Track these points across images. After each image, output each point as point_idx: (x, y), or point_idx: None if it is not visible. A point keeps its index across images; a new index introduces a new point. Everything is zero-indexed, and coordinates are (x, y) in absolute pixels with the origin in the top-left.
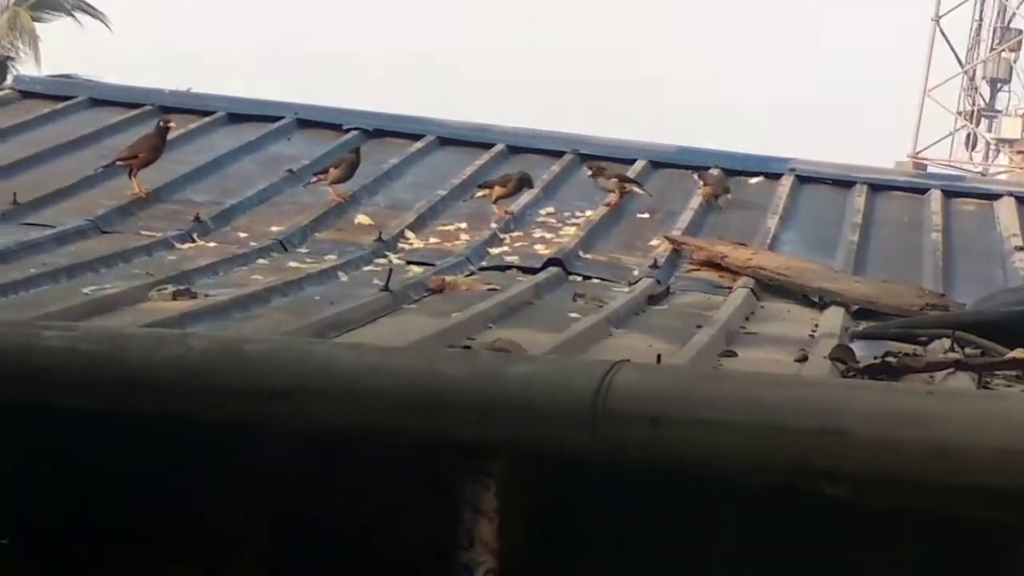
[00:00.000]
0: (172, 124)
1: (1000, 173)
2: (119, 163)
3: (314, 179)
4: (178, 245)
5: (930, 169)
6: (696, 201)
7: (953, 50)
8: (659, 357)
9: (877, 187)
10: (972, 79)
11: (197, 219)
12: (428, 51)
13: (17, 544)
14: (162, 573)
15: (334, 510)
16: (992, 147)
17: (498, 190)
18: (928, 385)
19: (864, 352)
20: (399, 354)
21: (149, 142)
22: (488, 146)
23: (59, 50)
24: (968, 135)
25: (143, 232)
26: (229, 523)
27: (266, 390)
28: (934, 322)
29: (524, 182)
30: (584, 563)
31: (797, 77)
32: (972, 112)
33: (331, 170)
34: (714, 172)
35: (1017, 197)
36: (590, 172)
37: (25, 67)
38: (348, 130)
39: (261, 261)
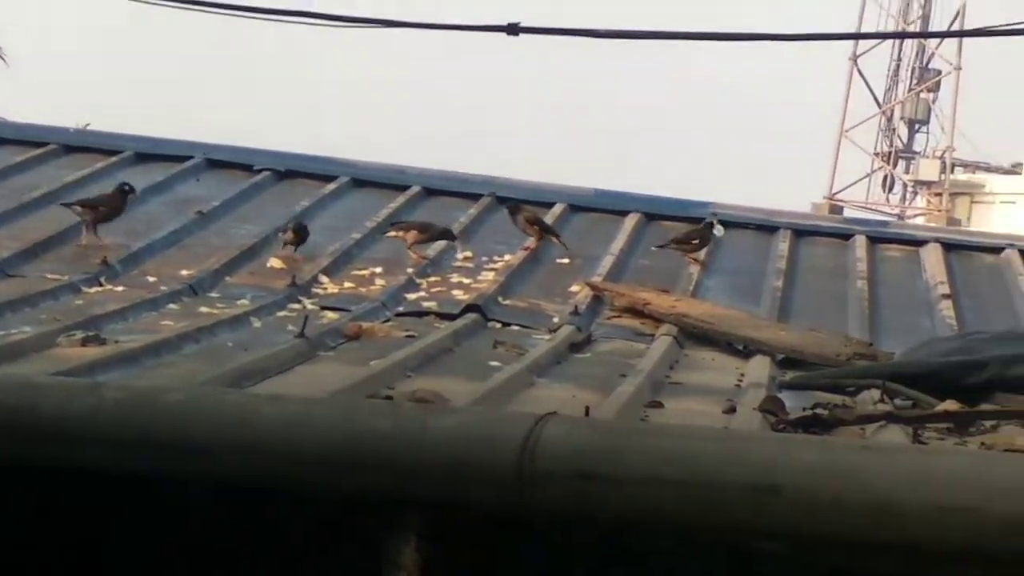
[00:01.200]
0: (135, 194)
1: (917, 215)
2: (76, 208)
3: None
4: (85, 289)
5: (846, 211)
6: (617, 246)
7: (871, 90)
8: (587, 410)
9: (801, 232)
10: (890, 120)
11: (104, 262)
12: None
13: None
14: None
15: (252, 564)
16: (910, 189)
17: (414, 234)
18: (862, 439)
19: (792, 402)
20: (319, 406)
21: (113, 200)
22: (403, 188)
23: None
24: (885, 176)
25: (48, 275)
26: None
27: (183, 443)
28: (863, 372)
29: (443, 234)
30: None
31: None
32: (890, 153)
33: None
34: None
35: (943, 243)
36: (508, 210)
37: None
38: (259, 170)
39: (171, 306)
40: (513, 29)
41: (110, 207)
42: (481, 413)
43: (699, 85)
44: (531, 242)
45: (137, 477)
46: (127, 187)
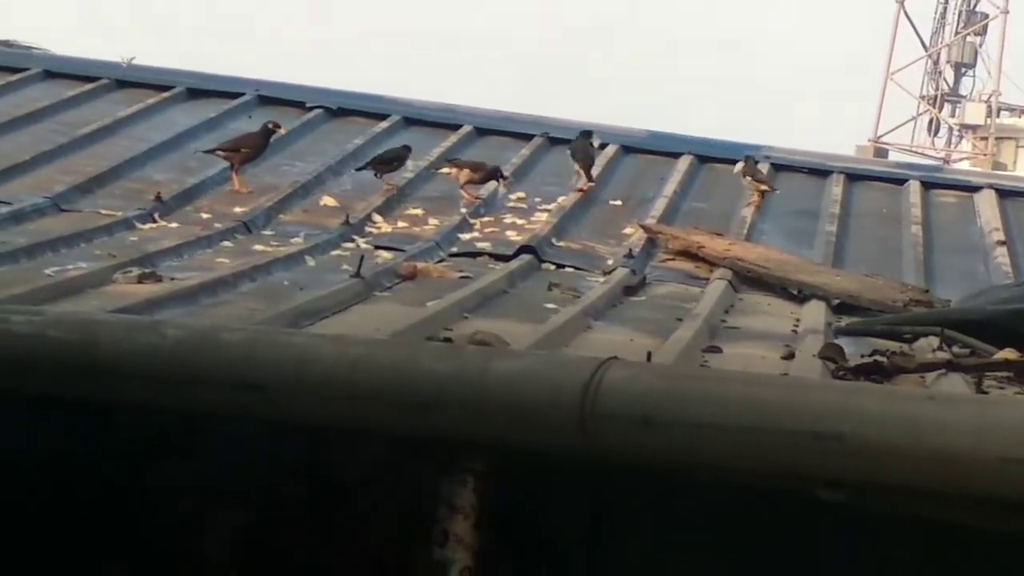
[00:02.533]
0: (283, 130)
1: (963, 159)
2: (219, 153)
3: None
4: (139, 225)
5: (891, 154)
6: (670, 188)
7: (917, 33)
8: (649, 355)
9: (855, 177)
10: (936, 63)
11: (158, 199)
12: None
13: None
14: (124, 568)
15: (307, 502)
16: (955, 133)
17: (467, 173)
18: (924, 388)
19: (849, 348)
20: (382, 347)
21: (253, 140)
22: (455, 127)
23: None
24: (931, 120)
25: (103, 211)
26: (193, 517)
27: (243, 382)
28: (920, 319)
29: (495, 174)
30: (562, 564)
31: (761, 59)
32: (936, 97)
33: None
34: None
35: (997, 190)
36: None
37: None
38: (311, 108)
39: (226, 244)
40: None
41: (252, 147)
42: (543, 357)
43: (746, 29)
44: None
45: (196, 415)
46: (271, 124)
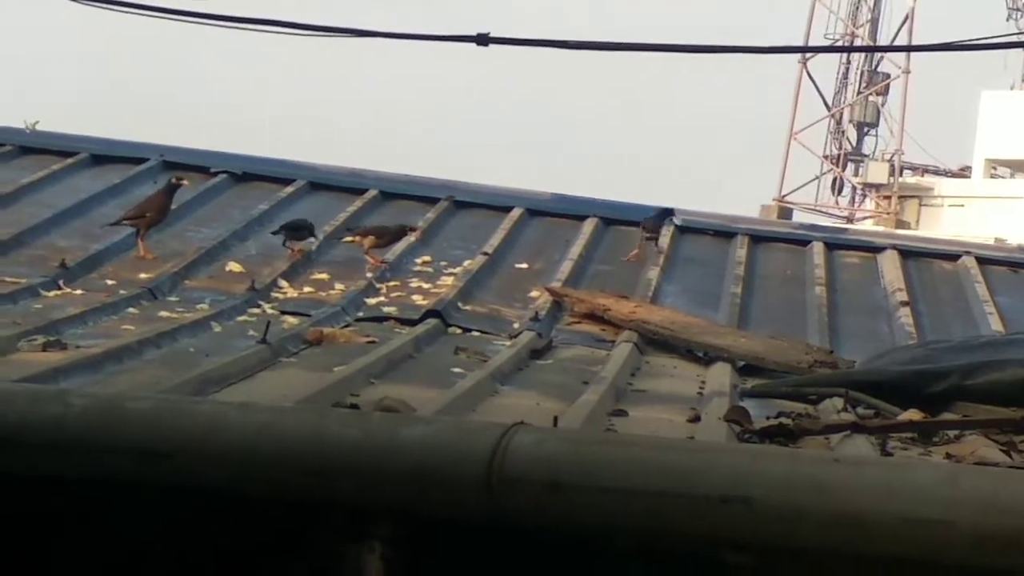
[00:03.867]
0: (185, 183)
1: (867, 218)
2: (125, 222)
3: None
4: (44, 292)
5: (796, 213)
6: (576, 251)
7: (820, 93)
8: (555, 420)
9: (759, 238)
10: (839, 123)
11: (63, 265)
12: None
13: None
14: None
15: (211, 572)
16: (859, 192)
17: (371, 239)
18: (830, 450)
19: (754, 410)
20: (288, 414)
21: (157, 201)
22: (361, 191)
23: None
24: (835, 179)
25: (7, 279)
26: None
27: (149, 450)
28: (825, 380)
29: (399, 235)
30: None
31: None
32: (839, 156)
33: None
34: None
35: (900, 250)
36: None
37: None
38: (216, 172)
39: (131, 310)
40: (483, 40)
41: (157, 209)
42: (449, 423)
43: (651, 91)
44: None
45: (101, 484)
46: (174, 179)
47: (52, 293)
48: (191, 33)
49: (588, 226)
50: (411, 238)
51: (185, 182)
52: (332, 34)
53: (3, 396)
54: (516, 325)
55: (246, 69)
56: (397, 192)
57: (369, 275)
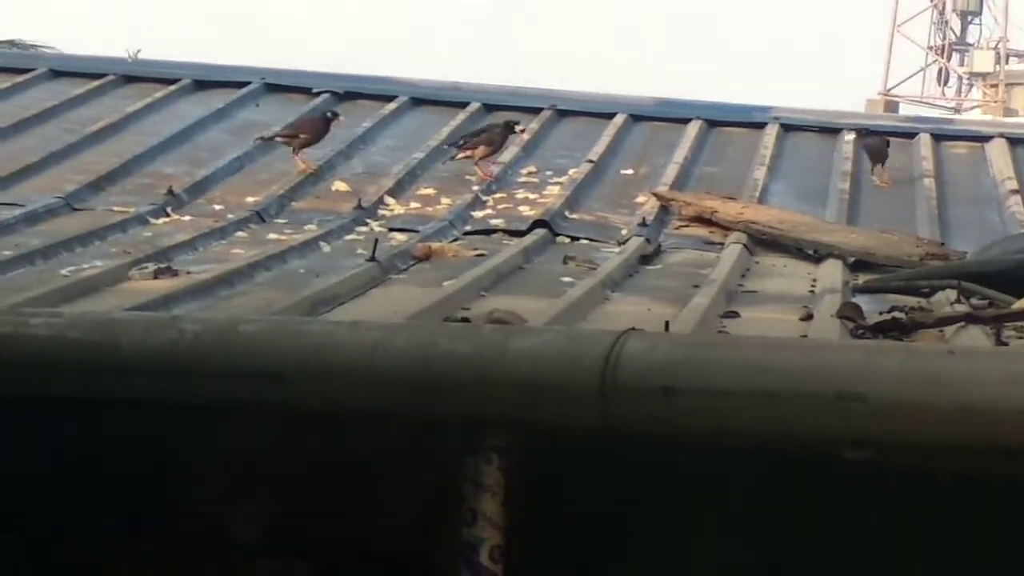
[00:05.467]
0: (341, 118)
1: (973, 107)
2: (279, 139)
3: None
4: (153, 220)
5: (902, 106)
6: (681, 154)
7: None
8: (667, 324)
9: (865, 133)
10: (942, 12)
11: (170, 192)
12: None
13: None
14: (152, 559)
15: (331, 492)
16: (965, 81)
17: (482, 150)
18: (945, 343)
19: (867, 306)
20: (398, 331)
21: (313, 124)
22: (463, 105)
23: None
24: (940, 70)
25: (115, 208)
26: (220, 507)
27: (263, 372)
28: (938, 273)
29: (508, 130)
30: (592, 536)
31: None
32: (943, 46)
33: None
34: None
35: (1008, 138)
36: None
37: None
38: (318, 93)
39: (239, 234)
40: None
41: (312, 132)
42: (561, 332)
43: None
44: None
45: (215, 410)
46: (330, 113)
47: (161, 220)
48: None
49: (692, 129)
50: (519, 136)
51: (341, 117)
52: None
53: (117, 325)
54: (624, 231)
55: None
56: (499, 103)
57: (475, 188)
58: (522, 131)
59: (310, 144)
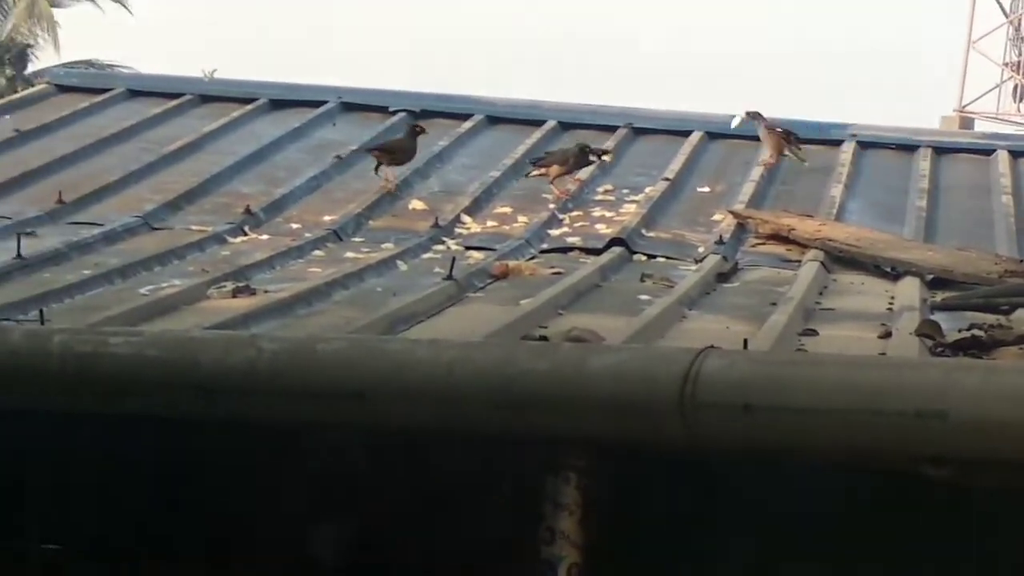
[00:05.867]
0: (426, 132)
1: None
2: (371, 152)
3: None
4: (230, 239)
5: (977, 123)
6: (757, 172)
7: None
8: (745, 342)
9: (942, 150)
10: (1018, 28)
11: (248, 211)
12: None
13: (89, 555)
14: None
15: (409, 511)
16: None
17: (556, 169)
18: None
19: (946, 324)
20: (477, 349)
21: (401, 142)
22: (539, 123)
23: (78, 35)
24: (1015, 86)
25: (194, 227)
26: (300, 527)
27: (342, 391)
28: (1017, 290)
29: (584, 155)
30: (668, 555)
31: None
32: (1019, 63)
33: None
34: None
35: None
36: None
37: (44, 54)
38: (395, 112)
39: (317, 252)
40: None
41: (400, 149)
42: (639, 350)
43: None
44: (768, 156)
45: (294, 429)
46: (418, 128)
47: (238, 239)
48: None
49: None
50: (603, 160)
51: (426, 132)
52: None
53: (196, 344)
54: (701, 249)
55: None
56: (575, 122)
57: (552, 206)
58: (606, 157)
59: (400, 163)
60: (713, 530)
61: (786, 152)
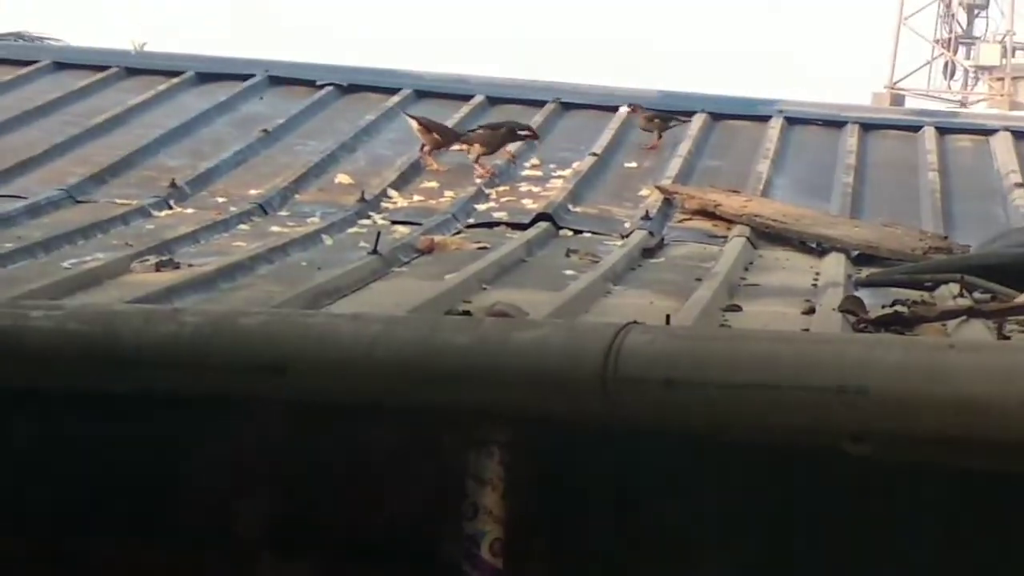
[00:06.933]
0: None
1: (980, 101)
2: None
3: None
4: (155, 213)
5: (908, 99)
6: (685, 147)
7: None
8: (668, 318)
9: (869, 126)
10: (948, 6)
11: (173, 185)
12: None
13: (9, 532)
14: (156, 552)
15: (333, 485)
16: (971, 75)
17: (477, 148)
18: (947, 337)
19: (870, 299)
20: (400, 324)
21: (449, 135)
22: (467, 97)
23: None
24: (946, 63)
25: (118, 200)
26: (223, 500)
27: (264, 365)
28: (940, 266)
29: (510, 135)
30: (593, 529)
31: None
32: (949, 39)
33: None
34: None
35: (1013, 132)
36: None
37: None
38: (321, 86)
39: (242, 227)
40: None
41: (441, 132)
42: (562, 325)
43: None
44: (653, 140)
45: (215, 400)
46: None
47: (163, 213)
48: None
49: (696, 122)
50: (530, 141)
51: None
52: None
53: (118, 317)
54: (627, 224)
55: None
56: (503, 96)
57: (478, 181)
58: (531, 136)
59: (440, 146)
60: (637, 505)
61: (663, 133)
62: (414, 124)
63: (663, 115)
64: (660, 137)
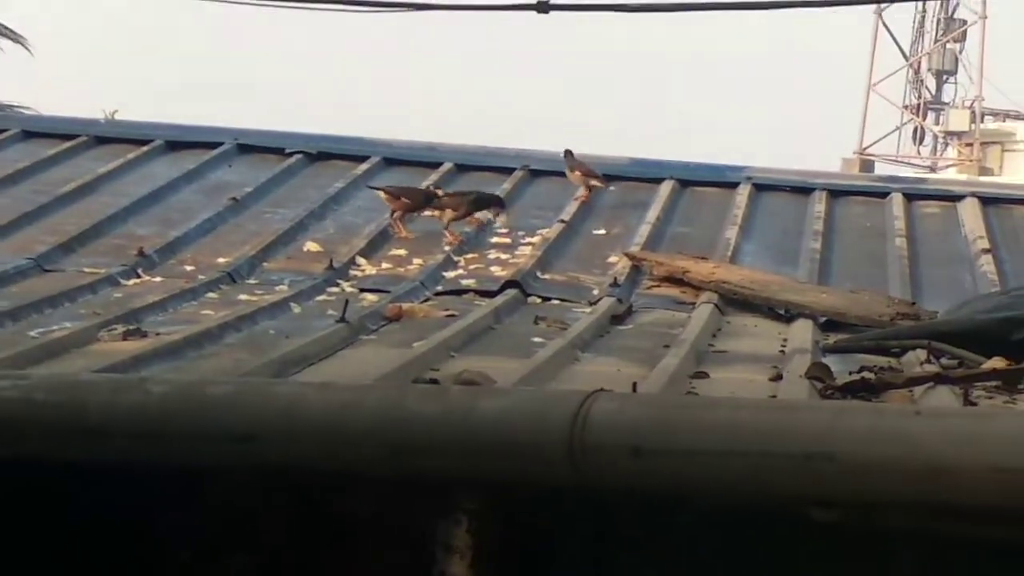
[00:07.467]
0: (440, 191)
1: (949, 166)
2: (384, 193)
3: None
4: (123, 281)
5: (877, 165)
6: (653, 214)
7: (897, 42)
8: (635, 385)
9: (837, 192)
10: (917, 72)
11: (141, 253)
12: None
13: None
14: None
15: (303, 554)
16: (940, 140)
17: (449, 214)
18: (913, 404)
19: (837, 366)
20: (368, 392)
21: (417, 193)
22: (435, 165)
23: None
24: (915, 129)
25: (86, 269)
26: (189, 567)
27: (231, 434)
28: (907, 332)
29: (479, 205)
30: None
31: (737, 79)
32: (919, 105)
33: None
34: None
35: (980, 198)
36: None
37: None
38: (291, 153)
39: (210, 295)
40: (543, 7)
41: (415, 202)
42: (529, 393)
43: (722, 48)
44: (582, 192)
45: (184, 471)
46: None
47: (131, 281)
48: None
49: (664, 189)
50: (495, 216)
51: (440, 191)
52: (382, 9)
53: (84, 386)
54: (596, 291)
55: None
56: (472, 164)
57: (447, 248)
58: (499, 219)
59: (411, 210)
60: (612, 572)
61: (592, 184)
62: (381, 195)
63: (590, 171)
64: (589, 191)
